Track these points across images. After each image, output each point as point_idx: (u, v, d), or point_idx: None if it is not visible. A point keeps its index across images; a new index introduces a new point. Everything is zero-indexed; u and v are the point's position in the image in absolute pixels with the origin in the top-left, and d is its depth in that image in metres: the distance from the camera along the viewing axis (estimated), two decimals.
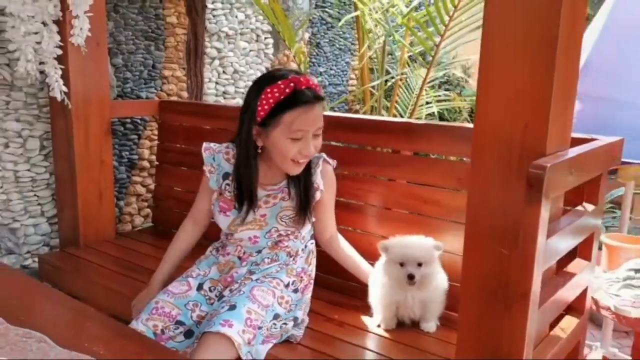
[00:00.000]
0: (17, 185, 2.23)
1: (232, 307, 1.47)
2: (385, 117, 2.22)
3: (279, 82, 1.52)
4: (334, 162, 1.73)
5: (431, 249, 1.52)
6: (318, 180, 1.67)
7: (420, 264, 1.51)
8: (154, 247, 2.31)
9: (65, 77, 2.07)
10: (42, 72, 2.07)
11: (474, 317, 1.21)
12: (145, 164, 2.66)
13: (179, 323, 1.53)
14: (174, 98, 2.76)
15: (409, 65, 3.05)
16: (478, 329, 1.20)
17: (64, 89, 2.06)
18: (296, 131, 1.53)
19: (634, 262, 2.09)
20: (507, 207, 1.14)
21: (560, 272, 1.35)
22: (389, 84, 2.87)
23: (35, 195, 2.29)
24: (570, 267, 1.38)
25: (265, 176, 1.66)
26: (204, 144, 1.72)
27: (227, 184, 1.68)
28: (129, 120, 2.58)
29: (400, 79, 2.87)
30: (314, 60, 3.50)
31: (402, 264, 1.52)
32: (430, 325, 1.59)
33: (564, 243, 1.22)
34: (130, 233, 2.54)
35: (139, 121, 2.61)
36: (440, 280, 1.57)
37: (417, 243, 1.54)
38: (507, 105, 1.15)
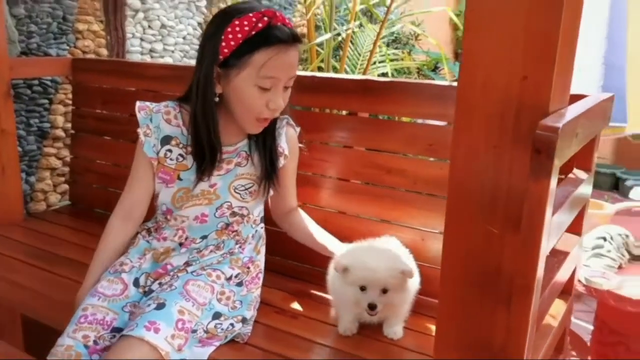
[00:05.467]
0: None
1: (161, 306, 1.20)
2: (339, 75, 1.96)
3: (250, 15, 1.24)
4: (298, 128, 1.48)
5: (398, 273, 1.22)
6: (283, 144, 1.42)
7: (385, 290, 1.22)
8: (71, 229, 1.99)
9: None
10: None
11: (457, 308, 1.00)
12: (60, 132, 2.30)
13: (116, 330, 1.24)
14: (91, 56, 2.39)
15: (359, 20, 2.78)
16: (462, 322, 1.00)
17: None
18: (266, 77, 1.26)
19: (602, 230, 1.99)
20: (498, 178, 0.93)
21: (552, 251, 1.17)
22: (337, 40, 2.61)
23: None
24: (561, 245, 1.20)
25: (221, 135, 1.36)
26: (138, 103, 1.40)
27: (169, 150, 1.37)
28: (36, 82, 2.19)
29: (350, 37, 2.61)
30: None
31: (362, 288, 1.24)
32: (395, 331, 1.30)
33: (566, 219, 1.03)
34: (44, 213, 2.19)
35: (48, 83, 2.23)
36: (409, 284, 1.29)
37: (385, 263, 1.23)
38: (501, 52, 0.93)
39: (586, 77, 2.05)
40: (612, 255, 1.90)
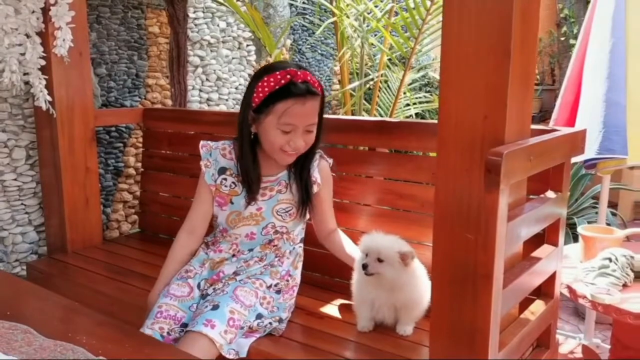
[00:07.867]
0: (5, 195, 2.27)
1: (215, 307, 1.50)
2: (361, 117, 2.28)
3: (277, 73, 1.56)
4: (330, 160, 1.78)
5: (393, 250, 1.49)
6: (315, 174, 1.72)
7: (380, 260, 1.50)
8: (141, 251, 2.35)
9: (49, 86, 2.12)
10: (26, 83, 2.12)
11: (446, 301, 1.26)
12: (131, 171, 2.71)
13: (184, 325, 1.56)
14: (158, 106, 2.81)
15: (389, 68, 3.12)
16: (450, 312, 1.25)
17: (49, 98, 2.11)
18: (286, 124, 1.56)
19: (608, 252, 2.16)
20: (471, 194, 1.20)
21: (527, 256, 1.41)
22: (368, 86, 2.94)
23: (22, 204, 2.32)
24: (537, 253, 1.44)
25: (262, 167, 1.68)
26: (202, 142, 1.76)
27: (224, 179, 1.71)
28: (113, 128, 2.62)
29: (381, 82, 2.93)
30: None
31: (366, 255, 1.53)
32: (406, 329, 1.57)
33: (527, 228, 1.28)
34: (118, 239, 2.58)
35: (123, 129, 2.66)
36: (417, 287, 1.54)
37: (383, 239, 1.53)
38: (467, 99, 1.21)
39: (588, 114, 2.27)
40: (617, 274, 2.07)
